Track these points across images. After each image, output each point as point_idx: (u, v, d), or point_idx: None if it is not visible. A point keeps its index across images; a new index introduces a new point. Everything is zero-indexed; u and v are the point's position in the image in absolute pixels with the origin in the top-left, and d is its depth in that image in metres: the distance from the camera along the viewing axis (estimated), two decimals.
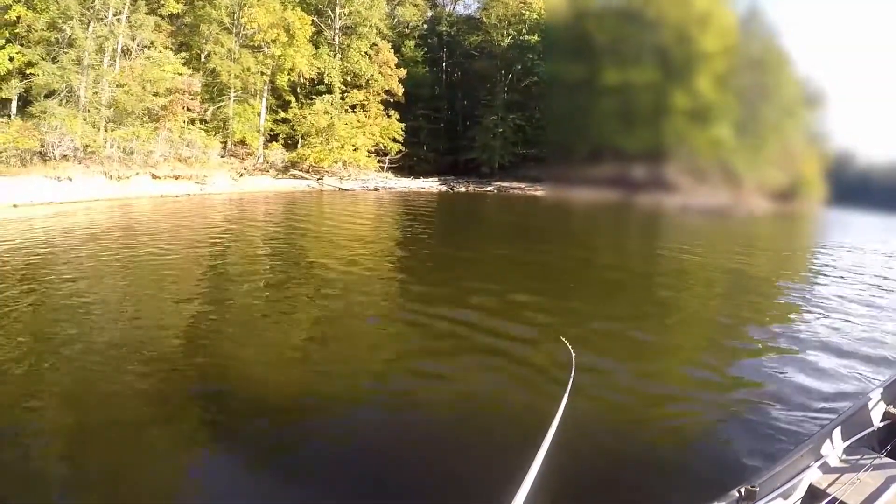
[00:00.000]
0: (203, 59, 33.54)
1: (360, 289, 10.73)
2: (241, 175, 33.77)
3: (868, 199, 20.93)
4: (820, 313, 9.92)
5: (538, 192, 39.60)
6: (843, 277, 13.64)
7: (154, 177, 28.11)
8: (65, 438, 4.98)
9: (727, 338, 8.70)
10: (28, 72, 25.65)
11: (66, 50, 26.05)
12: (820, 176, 23.14)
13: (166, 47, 30.25)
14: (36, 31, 25.39)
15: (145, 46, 29.10)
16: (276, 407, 5.73)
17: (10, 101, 26.30)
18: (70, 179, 24.17)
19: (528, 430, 2.90)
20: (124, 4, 27.96)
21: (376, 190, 37.74)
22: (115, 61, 28.08)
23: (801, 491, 3.40)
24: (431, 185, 42.30)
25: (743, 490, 2.95)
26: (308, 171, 37.40)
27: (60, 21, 25.68)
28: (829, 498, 3.22)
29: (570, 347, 3.95)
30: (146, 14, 29.02)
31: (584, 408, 5.34)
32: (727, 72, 25.93)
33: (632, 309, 10.16)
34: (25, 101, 26.53)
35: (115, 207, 22.42)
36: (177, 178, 29.05)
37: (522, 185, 41.41)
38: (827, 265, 15.68)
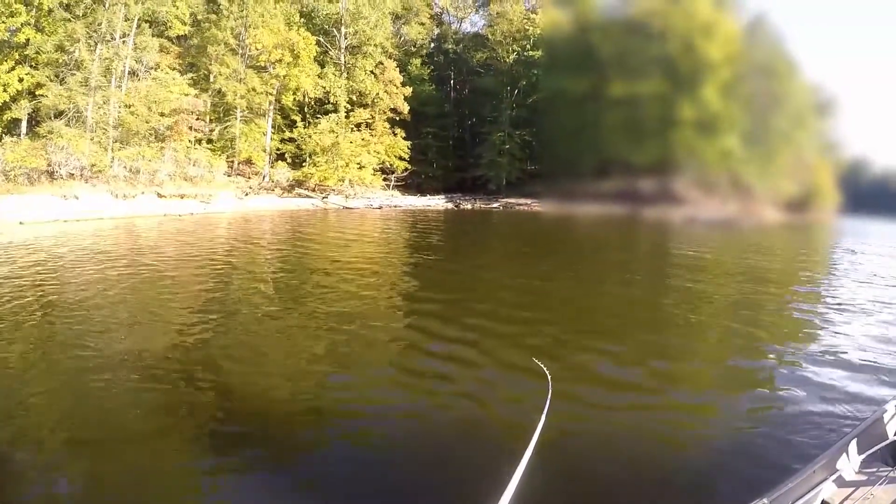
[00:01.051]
0: (211, 80, 33.88)
1: (362, 306, 10.58)
2: (247, 194, 33.81)
3: (886, 206, 20.53)
4: (831, 325, 9.61)
5: (544, 208, 39.42)
6: (855, 289, 13.21)
7: (159, 195, 28.23)
8: (73, 454, 4.92)
9: (735, 349, 8.41)
10: (37, 93, 26.02)
11: (73, 72, 26.48)
12: (833, 184, 22.78)
13: (173, 68, 30.81)
14: (44, 53, 25.93)
15: (151, 68, 29.52)
16: (279, 421, 5.67)
17: (20, 120, 26.63)
18: (76, 198, 24.26)
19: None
20: (130, 27, 28.46)
21: (380, 208, 37.60)
22: (122, 82, 28.38)
23: None
24: (437, 202, 42.23)
25: None
26: (314, 190, 37.43)
27: (68, 43, 26.16)
28: None
29: (545, 369, 3.99)
30: (151, 37, 29.56)
31: (583, 425, 5.30)
32: (733, 80, 25.77)
33: (648, 333, 9.81)
34: (36, 122, 26.79)
35: (119, 225, 22.45)
36: (182, 197, 29.11)
37: (529, 202, 41.23)
38: (840, 276, 15.23)
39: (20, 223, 20.35)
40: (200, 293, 11.26)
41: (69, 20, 26.08)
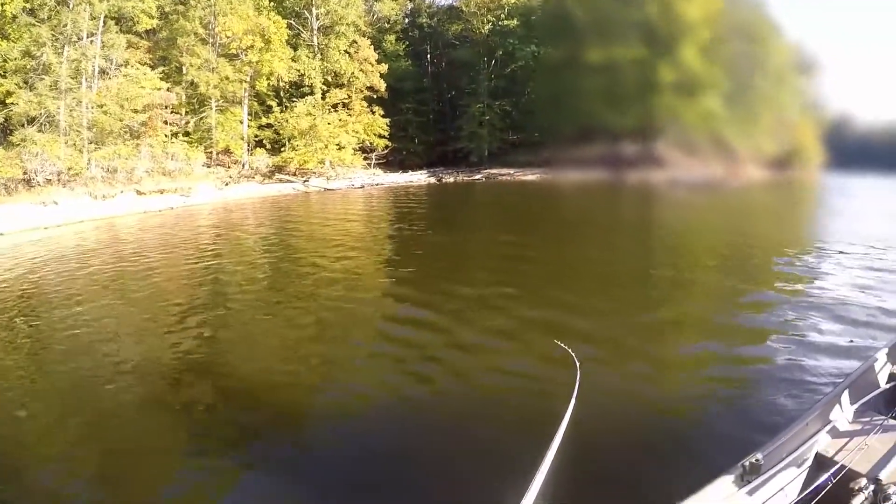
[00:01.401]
0: (183, 72, 33.21)
1: (353, 290, 10.68)
2: (227, 184, 33.32)
3: (870, 162, 20.67)
4: (822, 280, 9.83)
5: (527, 176, 39.51)
6: (840, 244, 13.18)
7: (139, 193, 27.68)
8: (70, 460, 5.00)
9: (730, 311, 8.57)
10: (7, 101, 25.29)
11: (42, 76, 25.70)
12: (817, 142, 22.94)
13: (144, 63, 30.07)
14: (11, 60, 25.18)
15: (120, 65, 28.80)
16: (279, 415, 5.73)
17: None
18: (56, 203, 23.75)
19: (538, 426, 2.88)
20: (96, 26, 27.65)
21: (362, 187, 37.27)
22: (92, 82, 27.64)
23: (808, 460, 3.26)
24: (420, 177, 41.89)
25: (747, 464, 2.96)
26: (294, 174, 36.98)
27: (34, 48, 25.38)
28: (837, 466, 3.06)
29: (569, 350, 3.76)
30: (117, 34, 28.75)
31: (587, 395, 5.16)
32: (713, 41, 25.74)
33: (630, 289, 10.12)
34: (9, 130, 26.14)
35: (100, 227, 22.13)
36: (161, 192, 28.57)
37: (511, 171, 41.28)
38: (825, 233, 15.35)
39: (0, 234, 19.94)
40: (187, 288, 11.33)
41: (34, 24, 25.23)
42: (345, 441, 5.12)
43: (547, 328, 7.43)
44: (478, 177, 42.12)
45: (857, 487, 2.64)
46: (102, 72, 28.14)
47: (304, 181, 36.71)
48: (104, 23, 28.20)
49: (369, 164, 42.14)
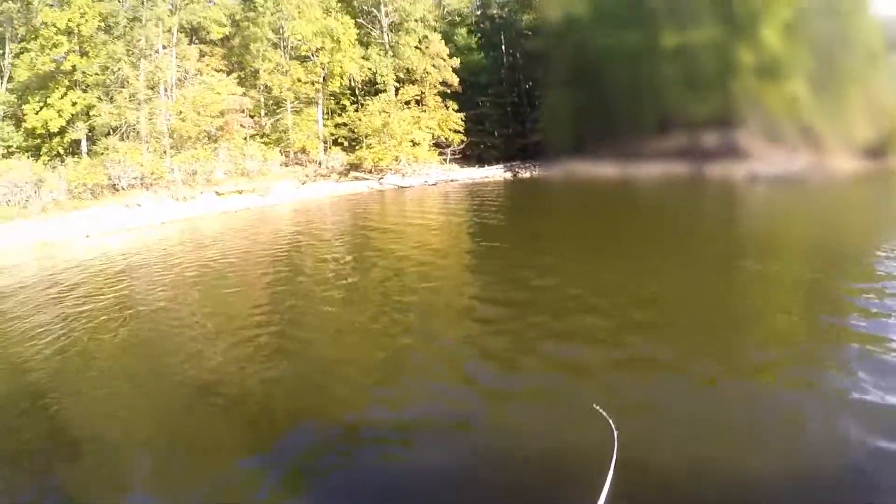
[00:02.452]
0: (258, 76, 34.52)
1: (429, 299, 10.28)
2: (304, 182, 34.29)
3: None
4: None
5: (605, 169, 38.00)
6: None
7: (218, 194, 29.02)
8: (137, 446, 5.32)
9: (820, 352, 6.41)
10: (90, 113, 27.53)
11: (120, 89, 27.72)
12: None
13: (219, 70, 31.47)
14: (90, 75, 27.39)
15: (195, 74, 30.43)
16: (358, 429, 5.63)
17: (79, 141, 28.19)
18: (139, 205, 25.32)
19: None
20: (169, 39, 29.58)
21: (436, 184, 37.08)
22: (171, 91, 29.24)
23: None
24: (495, 172, 41.18)
25: None
26: (370, 172, 37.45)
27: (111, 63, 27.50)
28: None
29: (608, 418, 3.62)
30: (188, 45, 30.81)
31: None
32: (794, 19, 23.76)
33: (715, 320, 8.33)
34: (93, 140, 28.32)
35: (181, 228, 23.28)
36: (240, 193, 29.85)
37: (589, 164, 39.76)
38: None
39: (87, 236, 21.41)
40: (266, 285, 11.77)
41: (110, 42, 27.33)
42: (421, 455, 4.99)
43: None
44: (554, 171, 41.03)
45: None
46: (180, 80, 29.76)
47: (380, 179, 37.13)
48: (176, 36, 29.94)
49: (445, 160, 42.04)
